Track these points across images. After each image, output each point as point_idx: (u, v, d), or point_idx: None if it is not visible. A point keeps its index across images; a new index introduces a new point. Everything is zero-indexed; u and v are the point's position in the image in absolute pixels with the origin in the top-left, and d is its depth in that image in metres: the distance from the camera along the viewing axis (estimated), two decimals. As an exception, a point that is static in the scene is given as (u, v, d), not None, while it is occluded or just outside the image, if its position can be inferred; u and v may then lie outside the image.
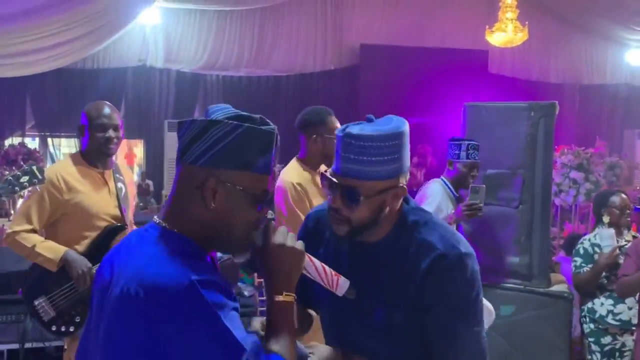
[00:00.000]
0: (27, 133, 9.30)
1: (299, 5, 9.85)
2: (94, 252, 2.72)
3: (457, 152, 3.45)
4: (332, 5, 10.13)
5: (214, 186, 1.24)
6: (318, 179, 2.78)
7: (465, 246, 1.52)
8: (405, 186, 1.49)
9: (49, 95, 9.26)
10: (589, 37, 11.03)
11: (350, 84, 10.00)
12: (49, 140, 9.45)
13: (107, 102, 2.92)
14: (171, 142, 8.95)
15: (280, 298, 1.31)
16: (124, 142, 3.14)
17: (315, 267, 1.40)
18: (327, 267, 1.41)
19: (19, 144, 8.08)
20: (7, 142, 8.90)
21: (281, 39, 9.83)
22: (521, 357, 3.61)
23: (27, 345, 3.45)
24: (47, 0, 6.60)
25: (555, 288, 3.74)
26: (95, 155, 2.85)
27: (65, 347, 2.84)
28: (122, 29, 8.81)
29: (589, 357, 3.63)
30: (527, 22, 8.65)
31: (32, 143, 9.31)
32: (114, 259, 1.28)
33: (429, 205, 3.24)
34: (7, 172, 2.61)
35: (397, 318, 1.53)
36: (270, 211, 1.39)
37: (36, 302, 2.73)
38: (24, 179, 2.63)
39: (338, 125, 2.90)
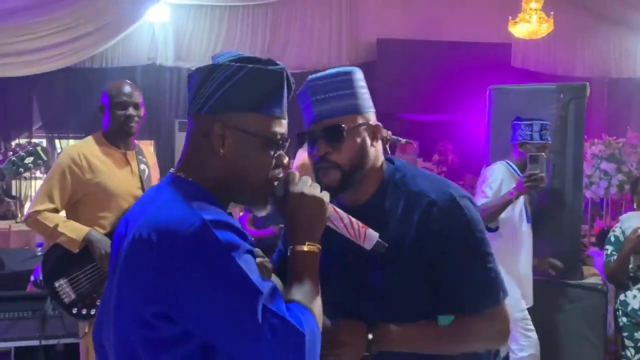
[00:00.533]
0: (34, 134, 9.36)
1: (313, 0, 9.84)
2: None
3: (529, 132, 3.32)
4: (347, -1, 10.13)
5: (220, 132, 1.23)
6: None
7: (457, 190, 1.55)
8: (379, 124, 1.58)
9: (56, 95, 9.30)
10: (618, 28, 10.91)
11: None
12: (57, 141, 9.51)
13: (128, 81, 2.96)
14: (182, 142, 8.81)
15: (302, 248, 1.28)
16: (143, 146, 3.18)
17: (340, 218, 1.38)
18: (353, 219, 1.39)
19: (27, 142, 8.14)
20: (14, 144, 8.98)
21: (294, 34, 9.83)
22: (554, 352, 3.56)
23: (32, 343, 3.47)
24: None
25: (588, 281, 3.70)
26: (116, 134, 2.89)
27: (86, 330, 2.85)
28: (131, 26, 8.88)
29: (623, 352, 3.57)
30: (552, 13, 8.58)
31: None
32: (129, 214, 1.28)
33: (489, 186, 3.22)
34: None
35: (396, 277, 1.52)
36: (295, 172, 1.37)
37: (57, 284, 2.76)
38: (29, 159, 2.65)
39: None
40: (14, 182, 8.48)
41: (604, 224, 6.41)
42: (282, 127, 1.29)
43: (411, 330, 1.54)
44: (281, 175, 1.32)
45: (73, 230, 2.75)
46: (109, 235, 2.75)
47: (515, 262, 3.33)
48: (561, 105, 3.58)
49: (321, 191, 1.35)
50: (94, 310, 2.77)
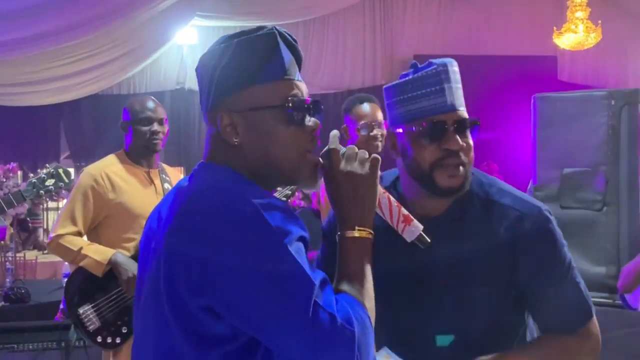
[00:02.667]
0: (61, 163, 9.54)
1: (345, 16, 9.88)
2: None
3: None
4: (381, 14, 10.13)
5: (229, 120, 1.18)
6: None
7: (541, 203, 1.52)
8: None
9: (83, 123, 9.50)
10: (672, 36, 10.74)
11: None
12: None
13: (151, 96, 2.99)
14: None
15: (352, 234, 1.21)
16: (174, 170, 3.19)
17: (388, 202, 1.30)
18: (396, 203, 1.32)
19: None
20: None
21: (327, 53, 9.88)
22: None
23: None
24: (79, 17, 6.80)
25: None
26: (140, 152, 2.91)
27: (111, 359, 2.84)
28: (159, 50, 9.05)
29: None
30: (600, 22, 8.47)
31: (67, 174, 9.52)
32: (161, 207, 1.24)
33: None
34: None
35: (471, 290, 1.47)
36: (337, 141, 1.27)
37: (81, 311, 2.76)
38: (50, 182, 2.68)
39: (367, 111, 2.93)
40: (44, 212, 8.62)
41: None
42: (293, 88, 1.21)
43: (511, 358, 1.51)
44: (316, 140, 1.23)
45: (98, 253, 2.76)
46: (134, 258, 2.74)
47: None
48: (612, 113, 3.48)
49: (370, 168, 1.24)
50: (119, 338, 2.76)
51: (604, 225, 3.54)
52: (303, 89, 1.24)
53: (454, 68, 1.46)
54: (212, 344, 1.11)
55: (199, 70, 1.25)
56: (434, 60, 1.48)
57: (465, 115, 1.45)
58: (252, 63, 1.18)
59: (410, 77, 1.48)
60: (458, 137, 1.43)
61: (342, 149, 1.26)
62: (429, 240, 1.31)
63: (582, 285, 1.54)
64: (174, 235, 1.12)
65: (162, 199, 1.29)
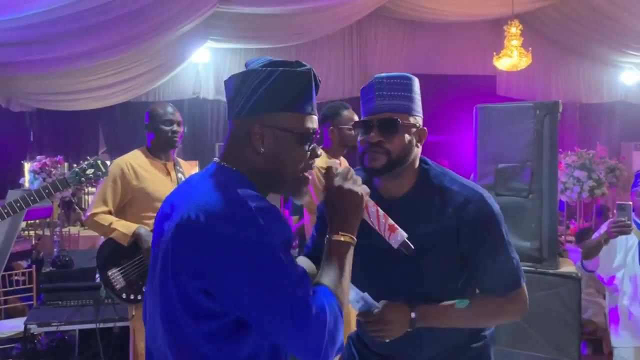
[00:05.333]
0: (99, 157, 9.46)
1: (329, 42, 9.87)
2: None
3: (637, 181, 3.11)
4: (357, 40, 10.13)
5: (260, 131, 1.16)
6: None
7: (483, 189, 1.51)
8: (425, 129, 1.52)
9: (117, 124, 9.43)
10: (587, 61, 10.78)
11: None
12: (119, 163, 9.60)
13: (170, 103, 2.97)
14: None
15: (337, 237, 1.19)
16: (188, 163, 3.17)
17: (369, 212, 1.29)
18: (383, 214, 1.30)
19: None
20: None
21: (314, 70, 9.86)
22: (535, 333, 3.44)
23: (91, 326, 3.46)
24: (115, 40, 6.74)
25: (563, 270, 3.58)
26: (160, 147, 2.89)
27: (134, 313, 2.82)
28: (178, 67, 9.00)
29: None
30: (530, 48, 8.50)
31: (105, 166, 9.46)
32: (174, 196, 1.21)
33: None
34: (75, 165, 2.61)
35: (431, 264, 1.48)
36: (336, 162, 1.29)
37: (109, 273, 2.74)
38: (90, 171, 2.64)
39: (355, 117, 2.88)
40: (84, 195, 8.56)
41: (576, 225, 6.28)
42: (313, 122, 1.22)
43: (445, 309, 1.52)
44: (315, 165, 1.25)
45: (125, 227, 2.74)
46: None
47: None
48: (537, 120, 3.48)
49: (358, 186, 1.26)
50: (140, 295, 2.74)
51: (530, 209, 3.54)
52: (316, 122, 1.25)
53: (395, 80, 1.48)
54: (207, 318, 1.10)
55: (235, 82, 1.20)
56: (377, 75, 1.51)
57: (390, 116, 1.46)
58: (290, 93, 1.17)
59: (363, 87, 1.54)
60: (379, 132, 1.45)
61: (339, 169, 1.27)
62: (413, 247, 1.31)
63: (515, 260, 1.54)
64: (182, 226, 1.10)
65: (175, 189, 1.27)
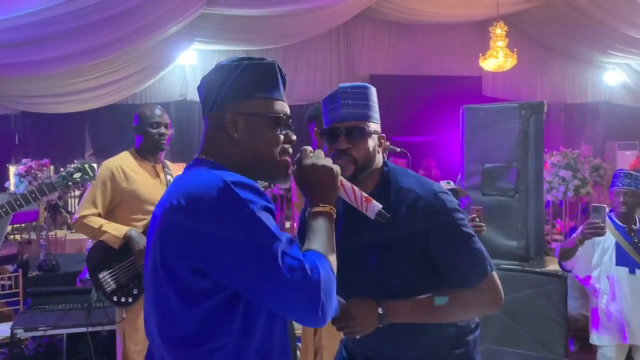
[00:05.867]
0: (86, 160, 9.38)
1: (316, 43, 9.87)
2: None
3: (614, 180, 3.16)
4: (344, 41, 10.15)
5: (232, 119, 1.20)
6: None
7: (439, 186, 1.55)
8: (384, 135, 1.60)
9: (104, 127, 9.36)
10: (571, 62, 10.90)
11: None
12: (105, 165, 9.53)
13: (158, 105, 2.96)
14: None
15: (316, 209, 1.22)
16: (176, 165, 3.15)
17: (352, 189, 1.33)
18: (358, 190, 1.34)
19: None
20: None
21: (301, 72, 9.85)
22: (522, 331, 3.48)
23: (80, 330, 3.44)
24: (99, 42, 6.70)
25: (549, 269, 3.62)
26: (149, 149, 2.87)
27: (123, 316, 2.80)
28: (165, 69, 8.95)
29: None
30: (515, 50, 8.57)
31: (91, 168, 9.40)
32: (164, 196, 1.23)
33: None
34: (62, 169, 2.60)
35: (390, 260, 1.51)
36: (311, 148, 1.31)
37: (100, 275, 2.72)
38: (77, 175, 2.63)
39: None
40: (70, 199, 8.49)
41: (562, 225, 6.33)
42: (283, 107, 1.25)
43: (415, 304, 1.52)
44: (291, 149, 1.28)
45: (115, 229, 2.72)
46: (144, 234, 2.71)
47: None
48: (522, 121, 3.52)
49: (328, 161, 1.28)
50: (131, 298, 2.73)
51: (516, 208, 3.58)
52: (287, 108, 1.28)
53: (358, 90, 1.55)
54: (199, 298, 1.10)
55: (206, 81, 1.25)
56: (341, 85, 1.58)
57: (356, 124, 1.52)
58: (258, 80, 1.22)
59: (326, 96, 1.61)
60: (346, 139, 1.52)
61: (310, 150, 1.30)
62: (388, 216, 1.34)
63: (479, 251, 1.52)
64: (167, 213, 1.12)
65: (166, 191, 1.27)
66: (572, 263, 3.12)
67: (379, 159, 1.60)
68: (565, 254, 3.09)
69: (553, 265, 3.61)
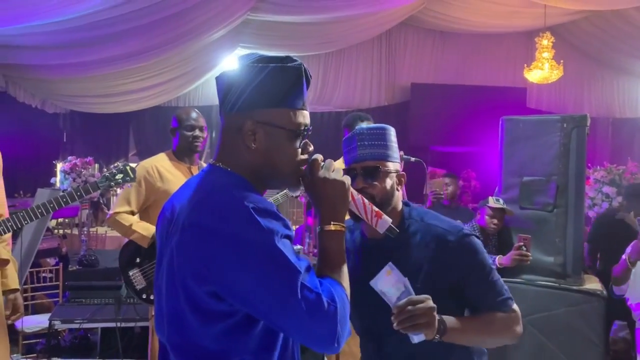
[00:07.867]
0: (129, 160, 9.62)
1: (358, 50, 9.88)
2: None
3: None
4: (386, 50, 10.11)
5: (252, 128, 1.17)
6: None
7: (466, 228, 1.59)
8: (404, 173, 1.63)
9: (147, 128, 9.59)
10: (620, 75, 10.56)
11: (402, 118, 9.87)
12: (148, 165, 9.75)
13: (194, 108, 3.00)
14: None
15: (329, 227, 1.21)
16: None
17: (356, 201, 1.33)
18: (368, 202, 1.35)
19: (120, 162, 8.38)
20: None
21: (342, 79, 9.88)
22: (557, 350, 3.37)
23: (112, 325, 3.51)
24: (146, 45, 6.87)
25: (588, 287, 3.50)
26: (184, 151, 2.93)
27: (152, 313, 2.85)
28: (209, 73, 9.11)
29: None
30: (562, 61, 8.37)
31: (134, 168, 9.63)
32: (175, 198, 1.23)
33: None
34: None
35: (416, 289, 1.47)
36: (321, 156, 1.30)
37: (131, 273, 2.79)
38: (119, 176, 2.70)
39: None
40: (112, 197, 8.72)
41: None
42: (304, 117, 1.22)
43: (467, 322, 1.55)
44: (307, 158, 1.25)
45: (144, 229, 2.78)
46: None
47: None
48: (564, 134, 3.41)
49: (341, 176, 1.27)
50: None
51: (554, 223, 3.47)
52: (308, 117, 1.25)
53: (374, 131, 1.59)
54: (216, 319, 1.11)
55: (227, 77, 1.22)
56: (358, 127, 1.65)
57: (373, 164, 1.56)
58: (281, 89, 1.18)
59: (345, 137, 1.64)
60: (363, 179, 1.55)
61: (321, 159, 1.28)
62: (398, 231, 1.37)
63: (500, 282, 1.61)
64: (186, 230, 1.11)
65: (176, 191, 1.28)
66: (624, 288, 3.02)
67: (399, 198, 1.62)
68: (620, 279, 3.00)
69: (592, 284, 3.49)
